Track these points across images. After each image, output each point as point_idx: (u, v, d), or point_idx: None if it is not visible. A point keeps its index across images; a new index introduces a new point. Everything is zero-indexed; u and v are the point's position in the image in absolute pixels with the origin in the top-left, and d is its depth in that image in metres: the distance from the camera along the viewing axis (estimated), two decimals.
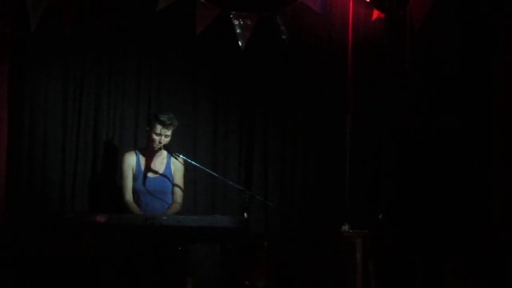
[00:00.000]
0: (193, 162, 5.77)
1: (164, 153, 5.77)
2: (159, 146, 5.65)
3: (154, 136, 5.61)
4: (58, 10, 5.84)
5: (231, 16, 6.21)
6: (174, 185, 5.77)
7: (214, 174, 5.93)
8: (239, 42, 6.22)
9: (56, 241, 5.33)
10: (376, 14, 6.40)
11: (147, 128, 5.70)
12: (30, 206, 5.99)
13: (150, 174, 5.73)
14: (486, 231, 5.57)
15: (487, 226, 5.62)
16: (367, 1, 6.42)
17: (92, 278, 5.09)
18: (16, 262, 5.64)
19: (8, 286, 5.50)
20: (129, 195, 5.70)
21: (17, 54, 6.03)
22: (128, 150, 5.97)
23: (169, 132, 5.63)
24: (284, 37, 6.30)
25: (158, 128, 5.58)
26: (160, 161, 5.78)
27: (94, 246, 5.08)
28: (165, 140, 5.63)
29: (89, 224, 5.01)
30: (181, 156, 5.71)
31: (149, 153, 5.76)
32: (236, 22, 6.23)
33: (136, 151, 5.83)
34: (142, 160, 5.76)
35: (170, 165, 5.77)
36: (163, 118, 5.57)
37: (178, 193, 5.79)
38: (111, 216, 5.07)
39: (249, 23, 6.24)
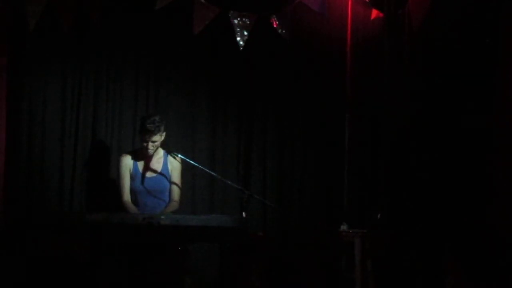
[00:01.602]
0: (191, 162, 5.77)
1: (161, 152, 5.77)
2: (150, 152, 5.65)
3: (143, 143, 5.63)
4: (57, 10, 5.84)
5: (229, 15, 6.21)
6: (171, 183, 5.77)
7: (213, 173, 5.93)
8: (238, 42, 6.22)
9: (54, 240, 5.32)
10: (375, 13, 6.40)
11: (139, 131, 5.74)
12: (28, 205, 5.99)
13: (147, 174, 5.74)
14: (485, 231, 5.57)
15: (486, 226, 5.61)
16: (366, 1, 6.41)
17: (90, 277, 5.09)
18: (13, 262, 5.63)
19: (6, 285, 5.49)
20: (127, 196, 5.70)
21: (16, 53, 6.03)
22: (126, 150, 5.98)
23: (155, 138, 5.63)
24: (283, 36, 6.30)
25: (145, 135, 5.60)
26: (157, 160, 5.78)
27: (92, 246, 5.07)
28: (154, 145, 5.64)
29: (87, 223, 5.01)
30: (179, 155, 5.72)
31: (145, 153, 5.76)
32: (235, 22, 6.23)
33: (133, 151, 5.84)
34: (139, 160, 5.76)
35: (167, 164, 5.78)
36: (147, 125, 5.57)
37: (176, 191, 5.80)
38: (109, 216, 5.07)
39: (248, 22, 6.24)
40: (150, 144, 5.62)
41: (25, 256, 5.65)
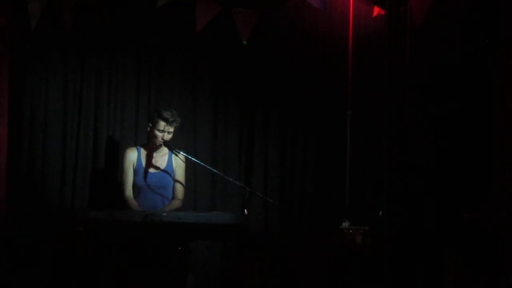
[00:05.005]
0: (193, 159, 5.77)
1: (166, 149, 5.77)
2: (161, 142, 5.66)
3: (157, 133, 5.63)
4: (58, 7, 5.85)
5: (231, 13, 6.21)
6: (175, 181, 5.78)
7: (215, 170, 5.94)
8: (240, 39, 6.22)
9: (56, 238, 5.33)
10: (376, 10, 6.39)
11: (150, 124, 5.71)
12: (30, 203, 6.00)
13: (151, 170, 5.74)
14: (487, 229, 5.57)
15: (487, 224, 5.62)
16: None
17: (92, 275, 5.10)
18: (15, 259, 5.65)
19: (8, 282, 5.50)
20: (129, 191, 5.71)
21: (18, 50, 6.04)
22: (129, 146, 5.98)
23: (172, 129, 5.65)
24: (285, 34, 6.31)
25: (162, 125, 5.60)
26: (162, 157, 5.79)
27: (94, 243, 5.08)
28: (168, 137, 5.65)
29: (88, 220, 5.02)
30: (181, 153, 5.72)
31: (150, 149, 5.77)
32: (237, 19, 6.22)
33: (138, 147, 5.84)
34: (143, 155, 5.77)
35: (172, 161, 5.78)
36: (166, 115, 5.59)
37: (179, 189, 5.80)
38: (111, 213, 5.08)
39: (250, 20, 6.24)
40: (166, 134, 5.62)
41: (27, 254, 5.67)
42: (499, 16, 5.81)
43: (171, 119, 5.61)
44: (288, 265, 6.05)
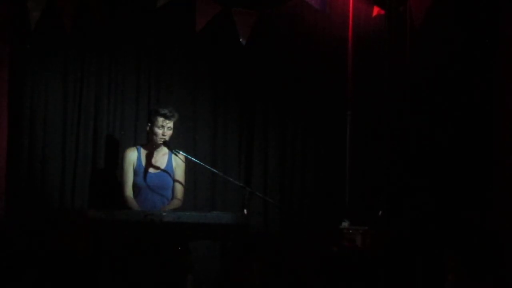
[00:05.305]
0: (193, 159, 5.78)
1: (166, 148, 5.77)
2: (162, 139, 5.66)
3: (157, 130, 5.64)
4: (58, 7, 5.85)
5: (231, 13, 6.21)
6: (174, 181, 5.78)
7: (214, 170, 5.94)
8: (239, 39, 6.22)
9: (56, 237, 5.33)
10: (376, 10, 6.40)
11: (148, 124, 5.72)
12: (29, 202, 6.00)
13: (151, 170, 5.74)
14: (486, 229, 5.57)
15: (487, 224, 5.62)
16: None
17: (91, 274, 5.09)
18: (14, 258, 5.64)
19: (8, 282, 5.50)
20: (129, 191, 5.71)
21: (18, 50, 6.04)
22: (129, 146, 5.98)
23: (170, 124, 5.67)
24: (284, 34, 6.31)
25: (160, 120, 5.62)
26: (161, 157, 5.79)
27: (93, 243, 5.08)
28: (168, 133, 5.67)
29: (88, 220, 5.01)
30: (181, 152, 5.72)
31: (150, 148, 5.78)
32: (237, 19, 6.23)
33: (138, 146, 5.84)
34: (143, 155, 5.77)
35: (171, 161, 5.79)
36: (163, 111, 5.63)
37: (179, 189, 5.80)
38: (111, 212, 5.08)
39: (250, 20, 6.24)
40: (166, 130, 5.64)
41: (26, 253, 5.67)
42: (499, 16, 5.81)
43: (169, 114, 5.63)
44: (288, 265, 6.05)
